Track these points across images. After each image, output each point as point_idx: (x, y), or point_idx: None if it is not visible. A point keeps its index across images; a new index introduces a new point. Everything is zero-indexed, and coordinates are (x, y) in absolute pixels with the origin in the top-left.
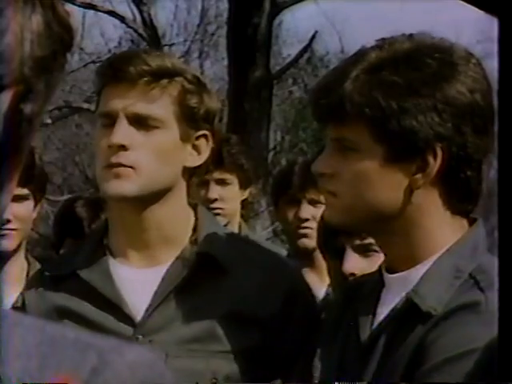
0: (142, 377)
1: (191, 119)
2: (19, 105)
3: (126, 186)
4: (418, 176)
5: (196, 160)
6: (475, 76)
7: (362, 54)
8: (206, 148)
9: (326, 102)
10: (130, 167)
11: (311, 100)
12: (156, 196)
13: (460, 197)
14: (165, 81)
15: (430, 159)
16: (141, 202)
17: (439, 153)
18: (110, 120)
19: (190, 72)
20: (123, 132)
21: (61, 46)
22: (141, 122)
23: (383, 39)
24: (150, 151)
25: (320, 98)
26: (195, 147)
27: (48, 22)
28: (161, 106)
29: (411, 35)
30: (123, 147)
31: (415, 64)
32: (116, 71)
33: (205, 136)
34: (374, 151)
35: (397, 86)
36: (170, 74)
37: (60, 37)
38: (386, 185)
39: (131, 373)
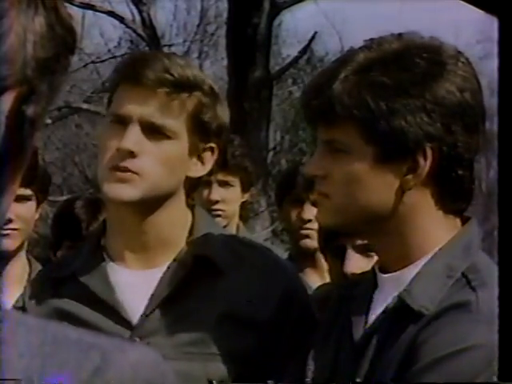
0: (145, 376)
1: (203, 133)
2: (21, 106)
3: (128, 190)
4: (409, 177)
5: (199, 171)
6: (464, 75)
7: (350, 54)
8: (210, 160)
9: (315, 104)
10: (135, 173)
11: (302, 102)
12: (156, 202)
13: (452, 196)
14: (185, 94)
15: (421, 159)
16: (140, 207)
17: (429, 153)
18: (123, 122)
19: (206, 83)
20: (134, 138)
21: (63, 48)
22: (153, 131)
23: (372, 39)
24: (157, 160)
25: (310, 100)
26: (200, 158)
27: (51, 24)
28: (177, 118)
29: (400, 35)
30: (132, 153)
31: (404, 64)
32: (135, 73)
33: (211, 149)
34: (365, 152)
35: (386, 87)
36: (190, 86)
37: (63, 39)
38: (378, 186)
39: (134, 372)
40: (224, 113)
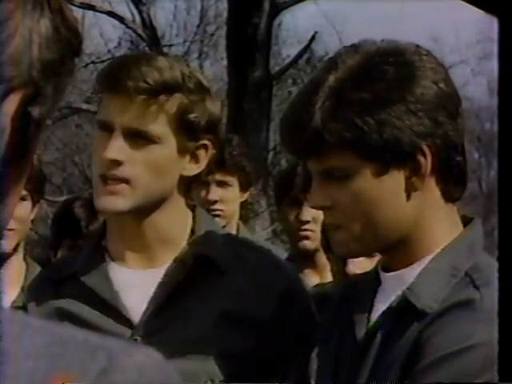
0: (151, 378)
1: (190, 132)
2: (27, 108)
3: (118, 201)
4: (414, 178)
5: (194, 169)
6: (432, 66)
7: (318, 80)
8: (204, 157)
9: (302, 141)
10: (125, 181)
11: (285, 141)
12: (151, 206)
13: (454, 183)
14: (163, 97)
15: (421, 159)
16: (135, 213)
17: (427, 150)
18: (107, 129)
19: (192, 80)
20: (118, 147)
21: (69, 50)
22: (137, 137)
23: (331, 59)
24: (146, 166)
25: (294, 139)
26: (194, 156)
27: (56, 27)
28: (158, 122)
29: (355, 46)
30: (117, 162)
31: (375, 75)
32: (114, 82)
33: (204, 146)
34: (365, 171)
35: (366, 102)
36: (168, 89)
37: (68, 41)
38: (387, 198)
39: (140, 374)
40: (215, 107)
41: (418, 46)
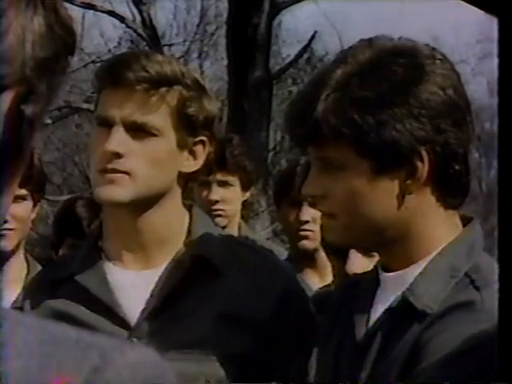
0: (144, 376)
1: (189, 127)
2: (20, 106)
3: (119, 191)
4: (409, 182)
5: (192, 166)
6: (444, 72)
7: (327, 72)
8: (202, 153)
9: (302, 130)
10: (125, 173)
11: (287, 129)
12: (150, 201)
13: (452, 192)
14: (163, 89)
15: (418, 164)
16: (134, 207)
17: (425, 155)
18: (107, 124)
19: (189, 77)
20: (119, 139)
21: (63, 48)
22: (137, 130)
23: (343, 51)
24: (146, 159)
25: (295, 127)
26: (192, 153)
27: (50, 25)
28: (158, 114)
29: (370, 40)
30: (118, 154)
31: (382, 74)
32: (114, 76)
33: (202, 142)
34: (361, 166)
35: (369, 100)
36: (168, 81)
37: (62, 39)
38: (380, 197)
39: (133, 372)
40: (212, 105)
41: (434, 48)
